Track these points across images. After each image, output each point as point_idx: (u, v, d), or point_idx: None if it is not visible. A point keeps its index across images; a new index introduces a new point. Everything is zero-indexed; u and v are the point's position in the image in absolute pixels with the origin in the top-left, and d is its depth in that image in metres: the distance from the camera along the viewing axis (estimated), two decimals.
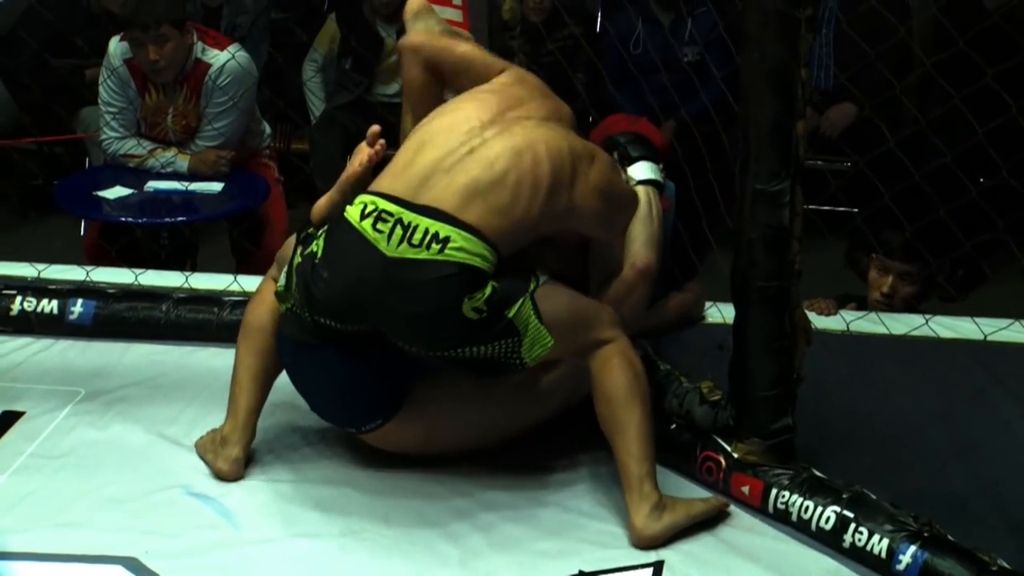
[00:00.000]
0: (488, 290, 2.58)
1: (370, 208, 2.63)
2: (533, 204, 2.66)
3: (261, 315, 2.89)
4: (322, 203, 2.87)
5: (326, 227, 2.70)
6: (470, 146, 2.68)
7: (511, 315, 2.60)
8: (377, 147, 2.85)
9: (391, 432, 2.82)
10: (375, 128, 2.87)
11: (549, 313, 2.64)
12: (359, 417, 2.81)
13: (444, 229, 2.58)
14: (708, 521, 2.71)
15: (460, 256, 2.57)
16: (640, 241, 2.90)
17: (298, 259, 2.70)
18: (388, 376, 2.75)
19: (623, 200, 2.90)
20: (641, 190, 2.96)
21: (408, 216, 2.60)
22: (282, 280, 2.76)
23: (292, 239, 2.90)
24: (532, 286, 2.65)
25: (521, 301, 2.62)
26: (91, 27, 5.61)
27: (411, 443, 2.87)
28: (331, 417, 2.88)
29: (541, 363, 2.72)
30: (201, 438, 2.96)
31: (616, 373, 2.68)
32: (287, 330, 2.77)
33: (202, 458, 2.91)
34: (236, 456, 2.85)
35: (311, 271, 2.66)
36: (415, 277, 2.57)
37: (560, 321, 2.66)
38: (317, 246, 2.67)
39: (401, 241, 2.58)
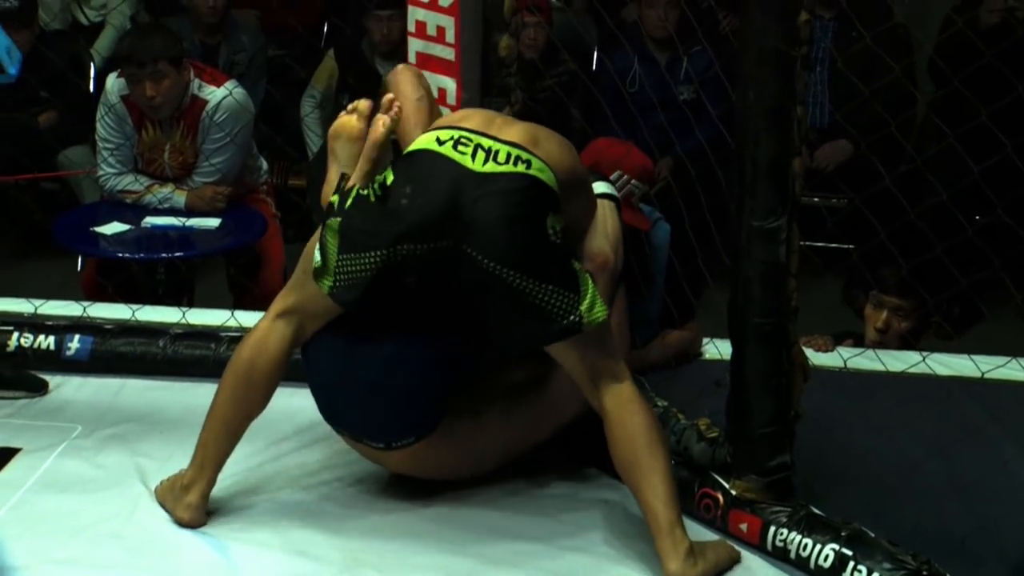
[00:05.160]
0: (563, 221, 2.66)
1: (445, 136, 2.67)
2: (578, 161, 2.84)
3: (253, 364, 2.79)
4: (334, 181, 2.85)
5: (386, 166, 2.71)
6: (503, 117, 2.84)
7: (576, 268, 2.64)
8: (395, 111, 2.84)
9: (417, 454, 2.80)
10: (389, 95, 2.88)
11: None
12: (395, 429, 2.77)
13: (524, 154, 2.65)
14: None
15: (543, 176, 2.64)
16: (598, 237, 2.96)
17: (348, 205, 2.65)
18: (432, 390, 2.74)
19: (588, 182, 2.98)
20: (598, 202, 3.01)
21: (487, 142, 2.66)
22: (317, 256, 2.69)
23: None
24: None
25: (580, 265, 2.67)
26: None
27: (430, 468, 2.86)
28: (363, 426, 2.82)
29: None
30: (162, 484, 2.89)
31: (638, 417, 2.66)
32: (343, 297, 2.67)
33: (162, 506, 2.84)
34: (196, 503, 2.78)
35: (381, 199, 2.63)
36: (506, 186, 2.60)
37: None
38: (381, 179, 2.66)
39: (487, 160, 2.63)
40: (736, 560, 2.71)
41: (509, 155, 2.63)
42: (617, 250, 2.97)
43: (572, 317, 2.60)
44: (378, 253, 2.61)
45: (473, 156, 2.63)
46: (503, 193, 2.59)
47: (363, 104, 2.93)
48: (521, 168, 2.62)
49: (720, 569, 2.66)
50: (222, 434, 2.80)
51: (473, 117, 2.80)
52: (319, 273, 2.68)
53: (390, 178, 2.64)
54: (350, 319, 2.75)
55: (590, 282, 2.65)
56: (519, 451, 2.95)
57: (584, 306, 2.61)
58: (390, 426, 2.78)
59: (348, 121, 2.93)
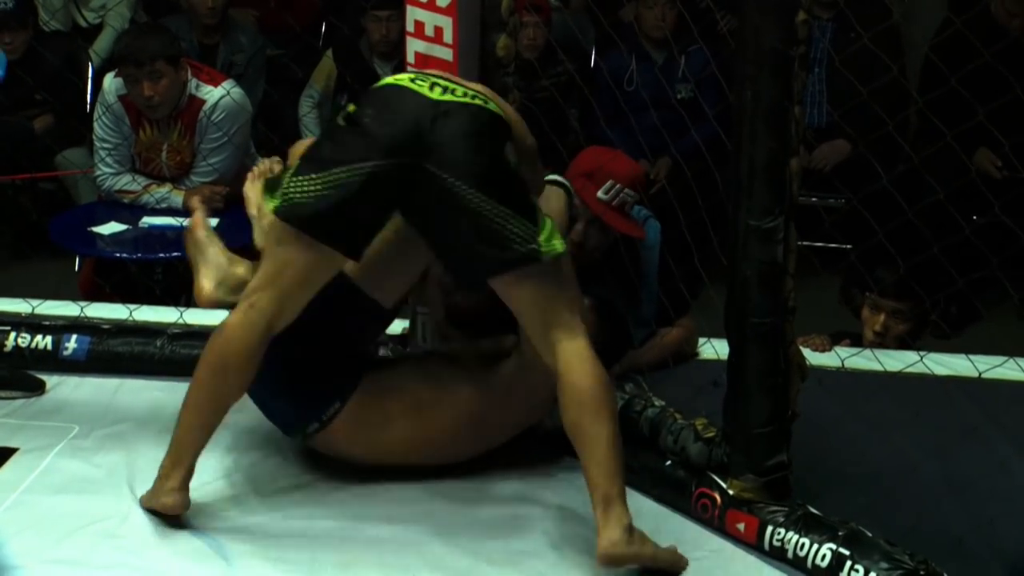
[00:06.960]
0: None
1: (404, 76, 2.77)
2: (528, 132, 2.82)
3: (223, 352, 2.76)
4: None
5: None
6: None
7: (534, 202, 2.68)
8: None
9: (344, 427, 2.83)
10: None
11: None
12: (316, 402, 2.81)
13: (481, 96, 2.71)
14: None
15: (501, 114, 2.71)
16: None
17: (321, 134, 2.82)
18: (344, 355, 2.81)
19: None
20: (547, 187, 3.00)
21: (445, 81, 2.71)
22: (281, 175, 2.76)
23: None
24: None
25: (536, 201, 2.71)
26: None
27: (363, 444, 2.88)
28: (282, 410, 2.90)
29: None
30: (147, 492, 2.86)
31: (588, 379, 2.61)
32: (288, 214, 2.66)
33: (147, 510, 2.81)
34: (177, 487, 2.76)
35: (348, 124, 2.68)
36: (464, 110, 2.65)
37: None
38: (346, 112, 2.70)
39: (444, 92, 2.67)
40: (682, 568, 2.65)
41: (466, 92, 2.70)
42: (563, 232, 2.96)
43: (530, 245, 2.60)
44: (343, 169, 2.63)
45: (431, 88, 2.68)
46: (462, 115, 2.64)
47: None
48: (479, 102, 2.68)
49: (655, 564, 2.61)
50: (195, 425, 2.80)
51: (436, 70, 2.91)
52: (272, 183, 2.73)
53: (353, 108, 2.70)
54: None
55: (548, 219, 2.66)
56: (495, 434, 2.94)
57: (543, 236, 2.61)
58: (311, 394, 2.83)
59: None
